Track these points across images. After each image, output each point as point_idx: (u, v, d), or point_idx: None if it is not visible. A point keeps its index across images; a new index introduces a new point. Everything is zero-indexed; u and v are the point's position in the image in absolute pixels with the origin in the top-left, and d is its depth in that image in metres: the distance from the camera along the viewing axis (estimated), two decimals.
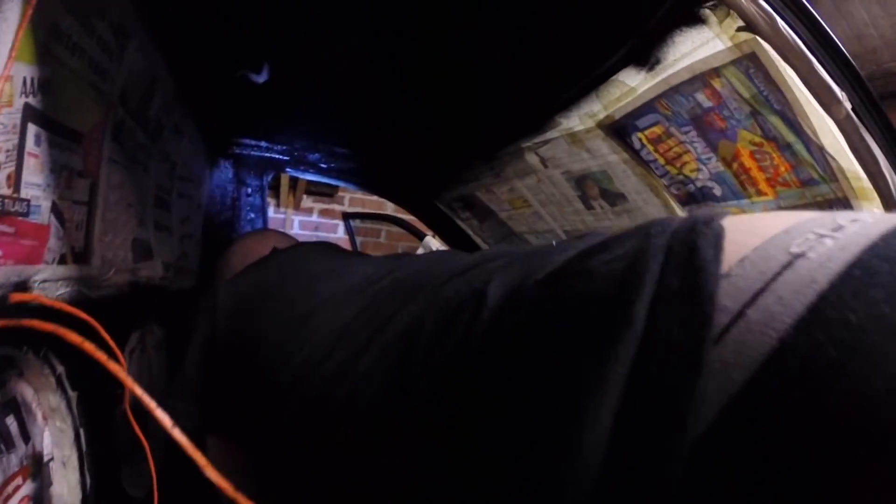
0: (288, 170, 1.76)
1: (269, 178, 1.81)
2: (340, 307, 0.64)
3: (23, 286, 0.77)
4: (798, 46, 0.71)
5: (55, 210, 0.82)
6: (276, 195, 3.57)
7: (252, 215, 1.88)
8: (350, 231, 3.13)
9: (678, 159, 0.95)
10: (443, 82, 1.14)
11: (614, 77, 0.93)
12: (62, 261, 0.87)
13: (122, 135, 1.05)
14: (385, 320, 0.54)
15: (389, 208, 2.90)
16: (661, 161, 0.99)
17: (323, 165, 1.70)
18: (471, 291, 0.45)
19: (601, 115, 1.00)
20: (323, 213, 3.82)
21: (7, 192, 0.68)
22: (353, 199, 3.75)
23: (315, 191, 3.67)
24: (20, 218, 0.72)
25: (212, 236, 1.78)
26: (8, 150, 0.66)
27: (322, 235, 3.78)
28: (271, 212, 3.69)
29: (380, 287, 0.63)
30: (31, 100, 0.69)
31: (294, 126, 1.48)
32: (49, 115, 0.74)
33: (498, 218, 1.66)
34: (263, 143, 1.58)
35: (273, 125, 1.49)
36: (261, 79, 1.13)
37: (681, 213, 1.02)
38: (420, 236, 2.63)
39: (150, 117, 1.16)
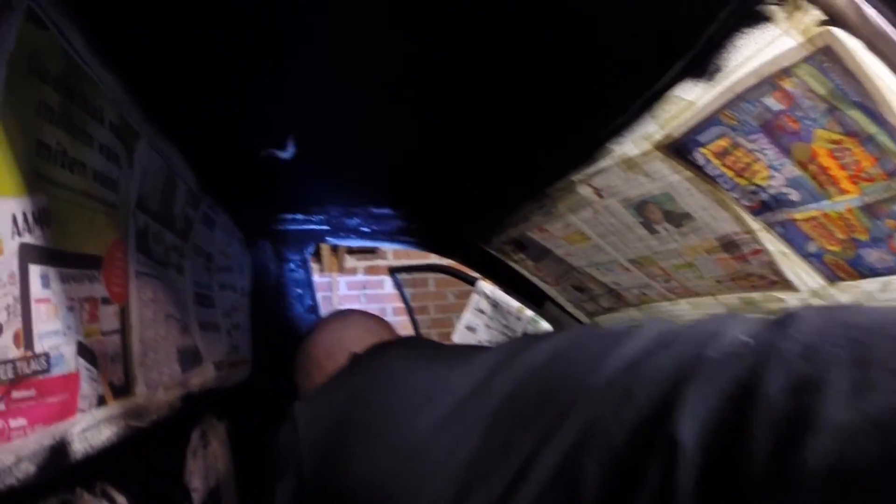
0: (328, 239, 1.65)
1: (311, 250, 1.70)
2: (456, 437, 0.54)
3: (61, 447, 0.66)
4: (886, 31, 0.63)
5: (82, 351, 0.70)
6: (319, 260, 3.50)
7: (299, 290, 1.77)
8: (398, 285, 3.03)
9: (747, 169, 0.89)
10: (480, 121, 1.03)
11: (669, 93, 0.85)
12: (101, 402, 0.76)
13: (147, 243, 0.94)
14: (526, 459, 0.44)
15: (435, 256, 2.78)
16: (730, 174, 0.91)
17: (364, 230, 1.59)
18: (645, 425, 0.32)
19: (658, 136, 0.93)
20: (368, 270, 3.74)
21: (18, 353, 0.56)
22: (397, 252, 3.64)
23: (357, 250, 3.59)
24: (40, 377, 0.60)
25: (261, 321, 1.67)
26: (9, 305, 0.55)
27: (370, 293, 3.70)
28: (316, 277, 3.61)
29: (498, 400, 0.53)
30: (27, 238, 0.57)
31: (328, 194, 1.37)
32: (54, 248, 0.63)
33: (555, 255, 1.56)
34: (300, 216, 1.48)
35: (306, 196, 1.38)
36: (287, 154, 1.02)
37: (753, 223, 0.96)
38: (470, 281, 2.51)
39: (176, 215, 1.05)
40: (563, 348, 0.57)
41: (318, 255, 3.47)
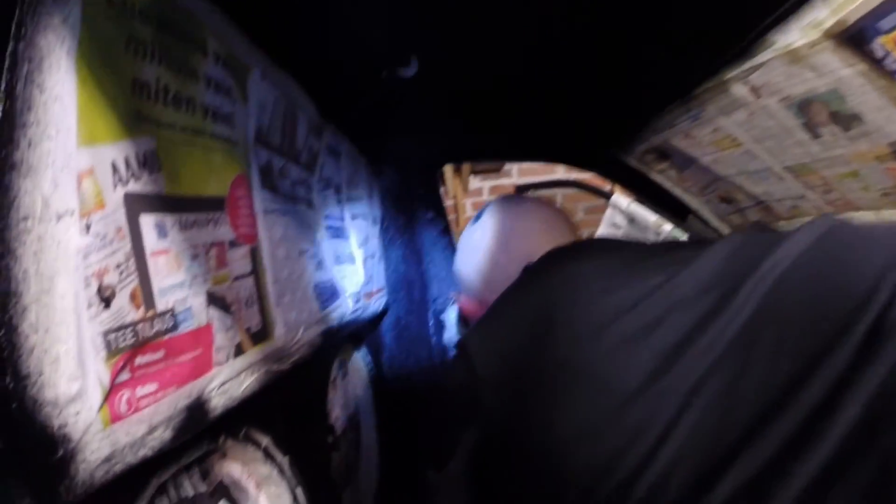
0: (459, 159, 1.54)
1: (440, 170, 1.60)
2: (690, 367, 0.50)
3: (198, 406, 0.63)
4: None
5: (213, 300, 0.66)
6: (442, 182, 3.40)
7: (430, 214, 1.69)
8: None
9: None
10: (619, 16, 0.88)
11: None
12: (238, 351, 0.72)
13: (272, 178, 0.88)
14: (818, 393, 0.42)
15: (561, 171, 2.60)
16: None
17: (494, 145, 1.46)
18: None
19: (829, 23, 0.82)
20: (493, 190, 3.63)
21: (137, 315, 0.51)
22: (522, 169, 3.44)
23: (481, 170, 3.45)
24: (167, 336, 0.56)
25: (392, 249, 1.63)
26: (120, 263, 0.49)
27: None
28: None
29: (747, 316, 0.49)
30: (133, 186, 0.51)
31: (456, 109, 1.25)
32: (168, 194, 0.57)
33: (700, 164, 1.42)
34: (425, 136, 1.38)
35: (433, 113, 1.27)
36: (410, 72, 0.90)
37: None
38: (605, 195, 2.31)
39: (300, 147, 0.99)
40: (815, 254, 0.50)
41: (441, 178, 3.38)
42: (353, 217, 1.35)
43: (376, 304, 1.55)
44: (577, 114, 1.36)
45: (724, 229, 1.65)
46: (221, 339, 0.68)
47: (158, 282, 0.55)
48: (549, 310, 0.65)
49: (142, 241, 0.52)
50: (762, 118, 1.10)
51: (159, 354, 0.55)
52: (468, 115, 1.29)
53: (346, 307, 1.24)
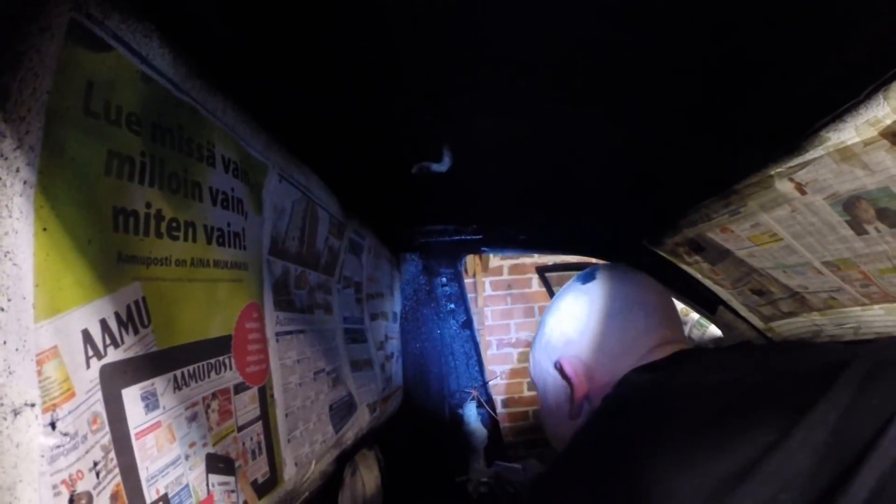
0: (483, 249, 1.44)
1: (463, 262, 1.50)
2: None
3: None
4: None
5: (214, 465, 0.53)
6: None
7: (451, 306, 1.59)
8: (547, 284, 2.76)
9: None
10: (662, 108, 0.81)
11: None
12: None
13: (288, 292, 0.77)
14: None
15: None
16: None
17: (522, 237, 1.36)
18: None
19: (888, 121, 0.78)
20: (513, 269, 3.52)
21: None
22: None
23: None
24: None
25: (412, 343, 1.51)
26: (97, 462, 0.37)
27: (516, 293, 3.44)
28: None
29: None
30: (113, 355, 0.39)
31: (484, 202, 1.15)
32: (159, 350, 0.45)
33: (735, 257, 1.37)
34: (452, 227, 1.28)
35: (460, 205, 1.17)
36: (443, 168, 0.81)
37: None
38: None
39: (320, 250, 0.88)
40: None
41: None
42: (373, 318, 1.23)
43: (393, 405, 1.41)
44: (606, 207, 1.28)
45: (755, 320, 1.57)
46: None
47: (147, 467, 0.43)
48: (640, 474, 0.53)
49: (125, 423, 0.40)
50: (805, 215, 1.06)
51: None
52: (498, 207, 1.20)
53: (363, 420, 1.10)
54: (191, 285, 0.50)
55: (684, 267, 1.56)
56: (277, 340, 0.71)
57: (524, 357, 3.53)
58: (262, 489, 0.65)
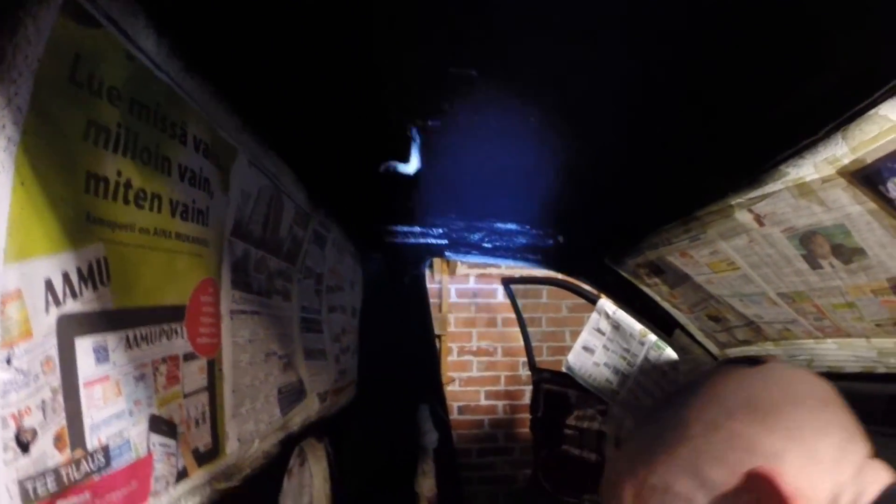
0: (447, 254, 1.48)
1: (427, 265, 1.54)
2: None
3: None
4: None
5: (156, 426, 0.56)
6: (430, 265, 3.35)
7: (411, 307, 1.62)
8: (511, 297, 2.82)
9: None
10: (633, 134, 0.86)
11: (873, 112, 0.71)
12: (181, 476, 0.62)
13: (247, 274, 0.80)
14: None
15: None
16: None
17: (486, 245, 1.42)
18: None
19: (846, 161, 0.81)
20: (480, 279, 3.56)
21: (61, 458, 0.42)
22: None
23: None
24: (96, 477, 0.46)
25: (369, 340, 1.54)
26: (45, 401, 0.40)
27: (480, 302, 3.50)
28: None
29: None
30: (71, 306, 0.43)
31: (452, 206, 1.19)
32: (114, 309, 0.48)
33: (694, 282, 1.41)
34: (418, 229, 1.32)
35: (425, 209, 1.21)
36: (410, 168, 0.84)
37: None
38: (590, 299, 2.27)
39: (283, 237, 0.91)
40: None
41: (430, 263, 3.34)
42: (331, 309, 1.26)
43: (346, 398, 1.44)
44: (571, 221, 1.33)
45: (710, 345, 1.62)
46: (162, 467, 0.58)
47: (92, 416, 0.46)
48: None
49: (75, 370, 0.43)
50: (763, 246, 1.10)
51: (85, 497, 0.45)
52: (464, 213, 1.24)
53: (312, 408, 1.13)
54: (151, 253, 0.54)
55: (644, 288, 1.61)
56: (231, 318, 0.74)
57: (483, 366, 3.57)
58: (203, 458, 0.68)
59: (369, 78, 0.66)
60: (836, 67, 0.64)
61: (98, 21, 0.41)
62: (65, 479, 0.42)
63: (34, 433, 0.39)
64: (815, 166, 0.85)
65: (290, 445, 1.03)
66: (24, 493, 0.38)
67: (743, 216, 1.05)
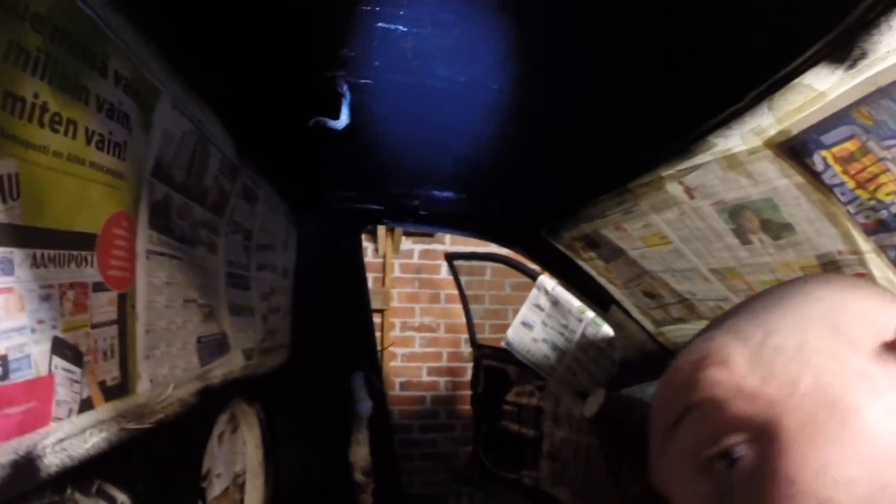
0: (385, 221, 1.51)
1: (363, 229, 1.56)
2: None
3: (27, 463, 0.54)
4: None
5: (59, 349, 0.58)
6: (374, 239, 3.38)
7: (347, 273, 1.64)
8: (454, 272, 2.87)
9: (872, 181, 0.79)
10: (563, 103, 0.88)
11: (797, 81, 0.71)
12: (86, 407, 0.64)
13: (168, 218, 0.81)
14: None
15: (495, 245, 2.64)
16: (851, 184, 0.81)
17: (423, 213, 1.45)
18: None
19: (772, 132, 0.82)
20: (424, 254, 3.59)
21: None
22: (455, 237, 3.47)
23: (414, 232, 3.46)
24: None
25: (303, 304, 1.56)
26: None
27: (423, 278, 3.55)
28: (369, 256, 3.46)
29: None
30: None
31: (389, 172, 1.22)
32: (23, 225, 0.50)
33: (628, 257, 1.44)
34: (355, 194, 1.34)
35: (362, 172, 1.24)
36: (340, 124, 0.86)
37: (864, 244, 0.86)
38: (532, 275, 2.33)
39: (208, 187, 0.93)
40: None
41: (373, 235, 3.34)
42: (261, 268, 1.28)
43: (275, 360, 1.46)
44: (507, 190, 1.36)
45: (646, 323, 1.66)
46: (64, 392, 0.59)
47: None
48: None
49: None
50: (693, 219, 1.11)
51: None
52: (400, 176, 1.27)
53: (236, 363, 1.15)
54: (64, 178, 0.55)
55: (580, 262, 1.65)
56: (148, 258, 0.76)
57: (426, 342, 3.62)
58: (110, 392, 0.70)
59: (298, 28, 0.68)
60: (760, 26, 0.64)
61: None
62: None
63: None
64: (742, 137, 0.86)
65: (210, 398, 1.04)
66: None
67: (674, 188, 1.06)
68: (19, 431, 0.53)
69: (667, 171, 1.02)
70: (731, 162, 0.91)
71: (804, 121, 0.76)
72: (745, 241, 1.06)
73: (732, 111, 0.80)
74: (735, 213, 1.02)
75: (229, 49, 0.71)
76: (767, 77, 0.71)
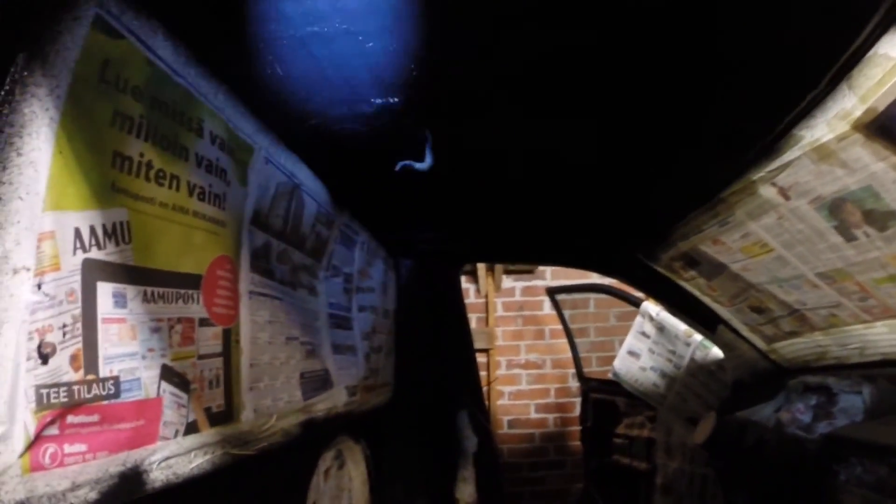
0: (479, 257, 1.55)
1: (460, 269, 1.61)
2: None
3: (133, 475, 0.62)
4: None
5: (168, 375, 0.67)
6: (475, 279, 3.45)
7: (448, 313, 1.70)
8: (557, 306, 2.84)
9: None
10: (642, 121, 0.88)
11: (872, 52, 0.67)
12: (191, 429, 0.72)
13: (268, 262, 0.90)
14: None
15: (596, 276, 2.61)
16: None
17: (515, 248, 1.46)
18: None
19: (858, 112, 0.77)
20: (525, 291, 3.52)
21: (75, 376, 0.53)
22: (556, 271, 3.37)
23: (515, 269, 3.49)
24: (105, 402, 0.57)
25: (406, 344, 1.62)
26: (66, 325, 0.51)
27: (527, 315, 3.53)
28: (471, 296, 3.51)
29: None
30: (95, 254, 0.54)
31: (475, 210, 1.27)
32: (135, 265, 0.59)
33: (730, 271, 1.38)
34: (444, 235, 1.40)
35: (451, 213, 1.29)
36: (424, 165, 0.93)
37: None
38: (635, 303, 2.27)
39: (306, 233, 1.02)
40: None
41: (474, 276, 3.40)
42: (361, 308, 1.36)
43: (379, 398, 1.53)
44: (602, 217, 1.35)
45: (756, 340, 1.57)
46: (172, 414, 0.68)
47: (107, 348, 0.56)
48: None
49: (95, 306, 0.54)
50: (792, 221, 1.07)
51: (94, 418, 0.55)
52: (494, 215, 1.31)
53: (339, 399, 1.22)
54: (170, 225, 0.65)
55: (681, 283, 1.59)
56: (250, 297, 0.85)
57: (533, 378, 3.57)
58: (215, 418, 0.78)
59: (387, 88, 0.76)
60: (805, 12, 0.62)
61: (122, 34, 0.53)
62: (76, 395, 0.53)
63: (53, 348, 0.50)
64: (829, 124, 0.82)
65: (314, 431, 1.12)
66: (40, 399, 0.49)
67: (767, 191, 1.03)
68: (129, 446, 0.61)
69: (757, 175, 0.99)
70: (822, 153, 0.87)
71: (889, 94, 0.72)
72: (849, 238, 1.01)
73: (812, 98, 0.77)
74: (835, 209, 0.98)
75: (315, 104, 0.80)
76: (840, 52, 0.67)
